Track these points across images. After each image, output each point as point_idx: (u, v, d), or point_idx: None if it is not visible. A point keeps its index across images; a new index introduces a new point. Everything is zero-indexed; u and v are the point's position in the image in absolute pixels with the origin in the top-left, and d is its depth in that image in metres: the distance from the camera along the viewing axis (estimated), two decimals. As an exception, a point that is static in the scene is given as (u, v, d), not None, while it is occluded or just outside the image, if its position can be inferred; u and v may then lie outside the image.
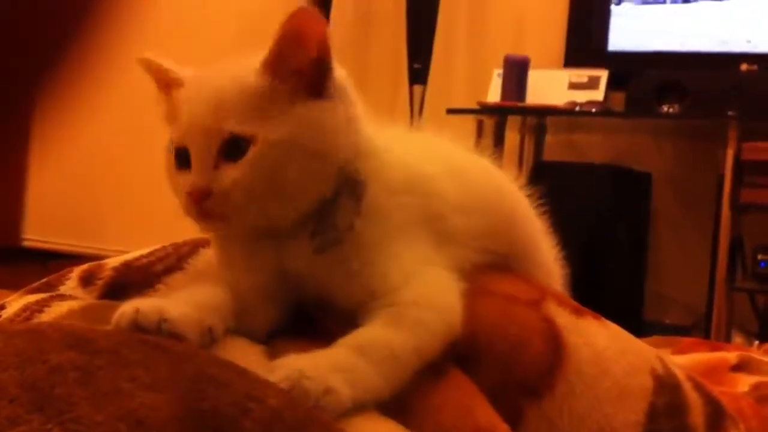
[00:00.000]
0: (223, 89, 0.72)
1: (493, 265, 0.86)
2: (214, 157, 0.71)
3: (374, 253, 0.74)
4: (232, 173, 0.71)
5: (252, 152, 0.71)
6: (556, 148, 3.11)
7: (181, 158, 0.73)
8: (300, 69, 0.72)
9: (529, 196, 0.95)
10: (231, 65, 0.75)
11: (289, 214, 0.73)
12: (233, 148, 0.71)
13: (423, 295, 0.73)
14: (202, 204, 0.71)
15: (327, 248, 0.74)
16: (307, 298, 0.77)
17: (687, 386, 0.87)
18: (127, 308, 0.66)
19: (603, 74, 2.82)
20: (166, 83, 0.78)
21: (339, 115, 0.73)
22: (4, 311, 0.87)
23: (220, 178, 0.71)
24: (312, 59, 0.72)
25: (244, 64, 0.73)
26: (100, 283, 0.92)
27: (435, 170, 0.80)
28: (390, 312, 0.71)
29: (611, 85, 2.83)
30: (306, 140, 0.71)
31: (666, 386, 0.83)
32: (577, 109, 2.74)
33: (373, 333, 0.69)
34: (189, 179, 0.72)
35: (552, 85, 2.86)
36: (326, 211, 0.74)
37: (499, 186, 0.90)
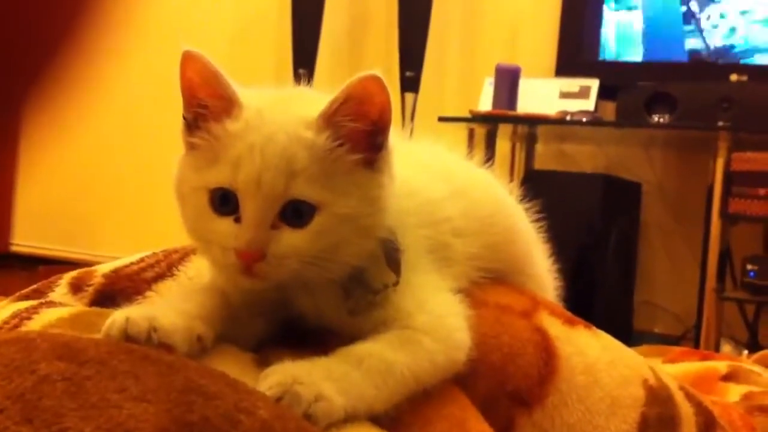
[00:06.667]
0: (291, 144, 0.67)
1: (487, 277, 0.87)
2: (273, 218, 0.67)
3: (390, 288, 0.73)
4: (291, 239, 0.68)
5: (317, 221, 0.68)
6: (546, 156, 3.12)
7: (222, 202, 0.68)
8: (356, 134, 0.69)
9: (526, 209, 0.96)
10: (289, 105, 0.71)
11: (327, 277, 0.71)
12: (295, 212, 0.68)
13: (438, 327, 0.72)
14: (251, 265, 0.67)
15: (361, 312, 0.73)
16: (303, 314, 0.76)
17: (679, 397, 0.87)
18: (117, 317, 0.65)
19: (594, 84, 2.83)
20: (214, 97, 0.69)
21: (388, 190, 0.72)
22: (-8, 318, 0.86)
23: (278, 241, 0.67)
24: (371, 128, 0.70)
25: (304, 110, 0.69)
26: (90, 289, 0.92)
27: (440, 194, 0.81)
28: (399, 333, 0.71)
29: (602, 94, 2.84)
30: (365, 217, 0.70)
31: (658, 397, 0.84)
32: (568, 118, 2.74)
33: (373, 347, 0.69)
34: (235, 232, 0.67)
35: (543, 95, 2.87)
36: (361, 270, 0.73)
37: (498, 203, 0.91)
